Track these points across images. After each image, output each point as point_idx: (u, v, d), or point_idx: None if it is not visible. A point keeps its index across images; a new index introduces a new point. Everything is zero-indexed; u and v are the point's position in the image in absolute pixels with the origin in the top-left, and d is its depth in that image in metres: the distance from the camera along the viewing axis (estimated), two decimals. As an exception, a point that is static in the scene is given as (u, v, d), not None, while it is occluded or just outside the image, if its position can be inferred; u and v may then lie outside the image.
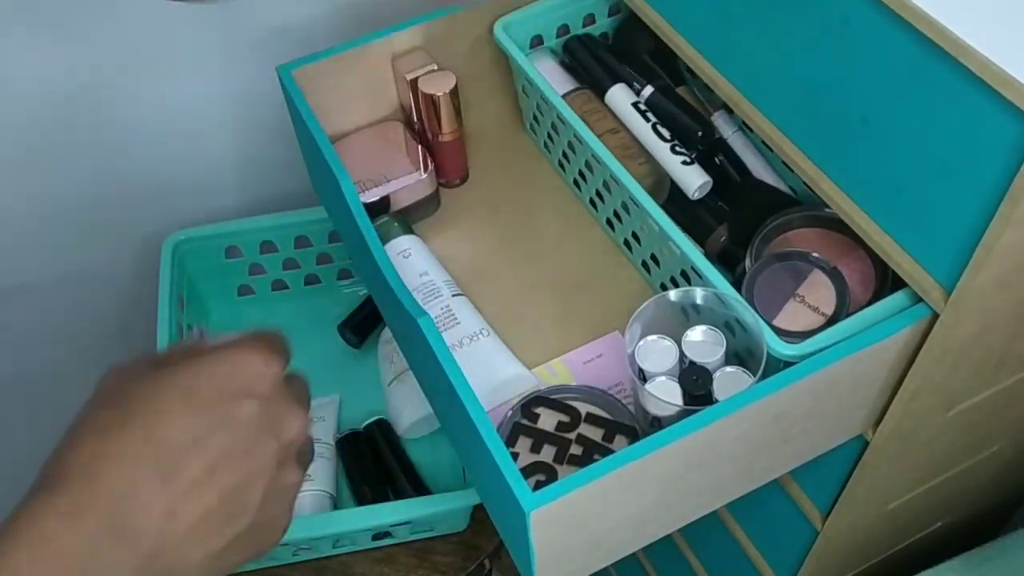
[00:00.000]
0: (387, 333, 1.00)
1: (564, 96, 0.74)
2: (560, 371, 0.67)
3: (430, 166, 0.76)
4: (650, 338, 0.59)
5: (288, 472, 0.43)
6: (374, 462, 0.95)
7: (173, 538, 0.39)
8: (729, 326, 0.58)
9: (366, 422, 0.99)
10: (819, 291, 0.59)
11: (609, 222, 0.72)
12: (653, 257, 0.67)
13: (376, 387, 0.99)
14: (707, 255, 0.67)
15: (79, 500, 0.37)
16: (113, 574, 0.37)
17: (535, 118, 0.78)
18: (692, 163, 0.67)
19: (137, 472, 0.38)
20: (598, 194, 0.72)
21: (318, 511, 0.90)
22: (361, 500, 0.93)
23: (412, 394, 0.93)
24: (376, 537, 0.92)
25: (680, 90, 0.74)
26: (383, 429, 0.98)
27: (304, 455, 0.45)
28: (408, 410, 0.94)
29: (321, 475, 0.93)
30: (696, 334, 0.59)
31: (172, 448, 0.39)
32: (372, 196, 0.74)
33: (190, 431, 0.39)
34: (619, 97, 0.71)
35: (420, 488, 0.94)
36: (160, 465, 0.38)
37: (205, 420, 0.40)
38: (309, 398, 0.46)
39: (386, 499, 0.91)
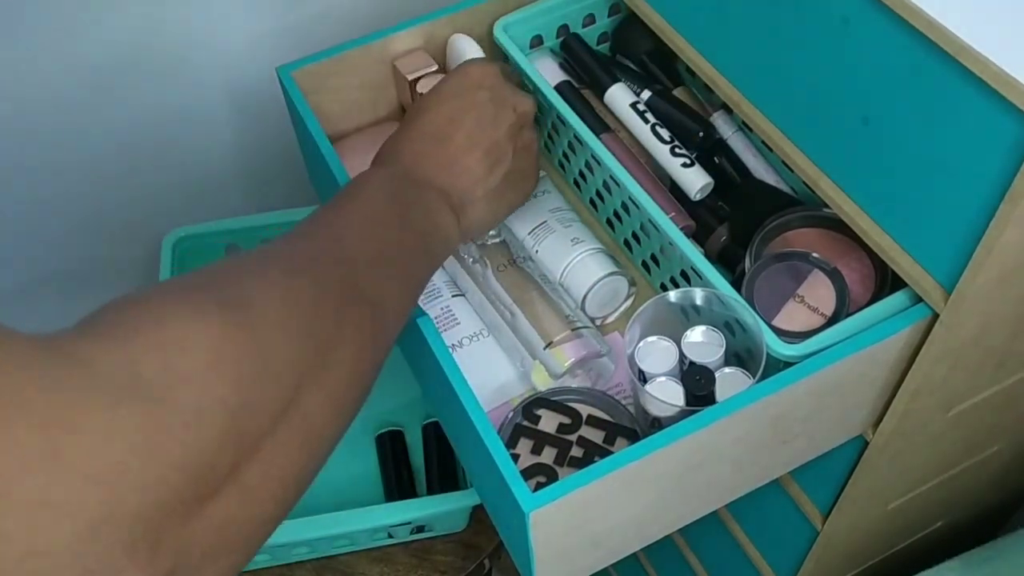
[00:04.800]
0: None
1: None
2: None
3: (430, 166, 0.76)
4: (650, 339, 0.59)
5: (527, 132, 0.64)
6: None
7: (456, 180, 0.57)
8: (729, 326, 0.58)
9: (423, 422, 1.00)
10: (819, 291, 0.59)
11: (609, 222, 0.72)
12: (653, 257, 0.67)
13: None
14: (707, 255, 0.67)
15: (387, 167, 0.58)
16: (421, 200, 0.55)
17: (535, 118, 0.78)
18: (693, 165, 0.67)
19: (421, 146, 0.58)
20: (598, 194, 0.72)
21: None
22: (390, 497, 0.95)
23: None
24: (376, 537, 0.92)
25: (679, 91, 0.74)
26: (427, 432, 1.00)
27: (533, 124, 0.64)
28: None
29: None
30: (696, 334, 0.58)
31: (439, 128, 0.59)
32: (372, 196, 0.73)
33: (447, 116, 0.59)
34: (618, 97, 0.71)
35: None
36: (436, 138, 0.58)
37: (455, 107, 0.59)
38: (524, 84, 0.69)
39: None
